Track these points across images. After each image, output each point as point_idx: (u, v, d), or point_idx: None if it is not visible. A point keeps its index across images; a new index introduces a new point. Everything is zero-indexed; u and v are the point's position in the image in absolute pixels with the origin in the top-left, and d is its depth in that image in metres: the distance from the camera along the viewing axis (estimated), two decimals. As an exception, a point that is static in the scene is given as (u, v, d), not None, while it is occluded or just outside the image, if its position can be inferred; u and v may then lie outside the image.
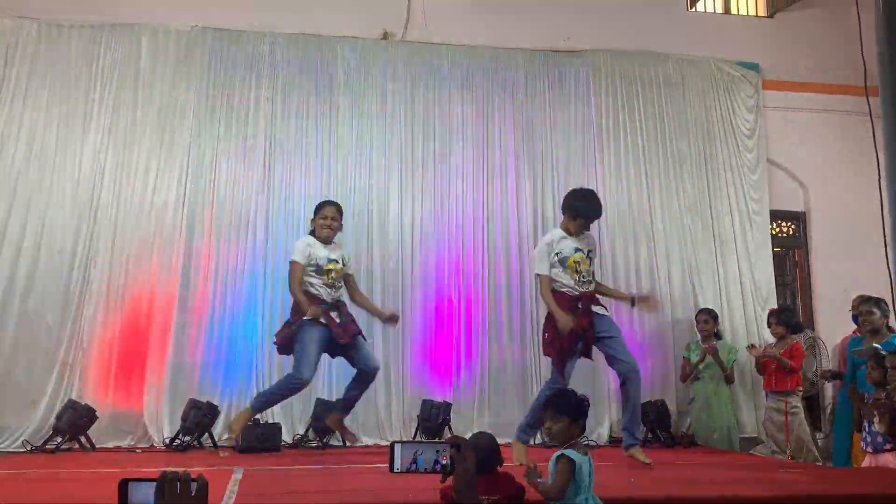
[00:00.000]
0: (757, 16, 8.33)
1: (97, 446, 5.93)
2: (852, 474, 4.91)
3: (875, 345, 5.29)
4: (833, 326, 7.03)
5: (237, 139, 6.81)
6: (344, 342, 5.31)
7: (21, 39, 6.65)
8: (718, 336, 6.78)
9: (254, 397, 5.63)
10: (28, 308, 6.22)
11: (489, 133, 7.23)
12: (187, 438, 5.95)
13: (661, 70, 7.65)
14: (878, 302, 5.52)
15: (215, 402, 6.14)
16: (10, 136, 6.47)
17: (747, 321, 7.25)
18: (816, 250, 7.76)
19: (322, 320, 5.27)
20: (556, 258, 5.12)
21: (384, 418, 6.55)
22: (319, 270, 5.39)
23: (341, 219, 5.57)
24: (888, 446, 4.70)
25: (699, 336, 6.81)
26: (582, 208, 5.20)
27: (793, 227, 7.92)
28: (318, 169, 6.88)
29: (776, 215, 7.74)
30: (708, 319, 6.74)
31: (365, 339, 5.56)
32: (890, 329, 5.53)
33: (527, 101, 7.34)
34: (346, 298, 5.61)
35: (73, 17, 6.77)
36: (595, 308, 5.10)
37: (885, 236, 3.17)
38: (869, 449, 4.83)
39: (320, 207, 5.56)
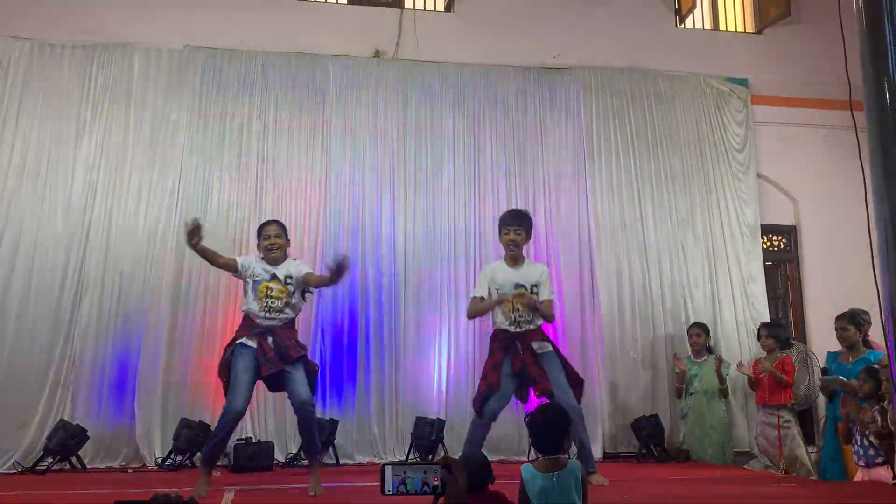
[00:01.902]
0: (745, 32, 8.40)
1: (88, 467, 5.89)
2: (845, 488, 4.91)
3: (838, 376, 5.35)
4: (825, 340, 7.02)
5: (229, 157, 6.82)
6: (264, 374, 4.58)
7: (14, 59, 6.67)
8: (710, 350, 6.80)
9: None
10: (19, 327, 6.19)
11: (480, 150, 7.26)
12: (179, 458, 5.93)
13: (651, 86, 7.71)
14: (853, 318, 5.55)
15: (207, 422, 6.11)
16: (2, 154, 6.47)
17: (739, 335, 7.27)
18: (807, 264, 7.80)
19: (250, 343, 4.64)
20: (495, 292, 4.97)
21: (377, 435, 6.52)
22: (255, 287, 4.73)
23: (286, 236, 4.92)
24: (880, 459, 4.71)
25: (690, 350, 6.83)
26: (500, 221, 5.16)
27: (783, 240, 7.96)
28: (310, 186, 6.89)
29: (767, 229, 7.78)
30: (700, 333, 6.76)
31: (307, 368, 4.71)
32: (866, 343, 5.56)
33: (518, 118, 7.38)
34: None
35: (65, 38, 6.79)
36: (536, 345, 4.93)
37: (871, 249, 3.19)
38: (861, 463, 4.84)
39: (261, 228, 4.96)
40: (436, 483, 2.07)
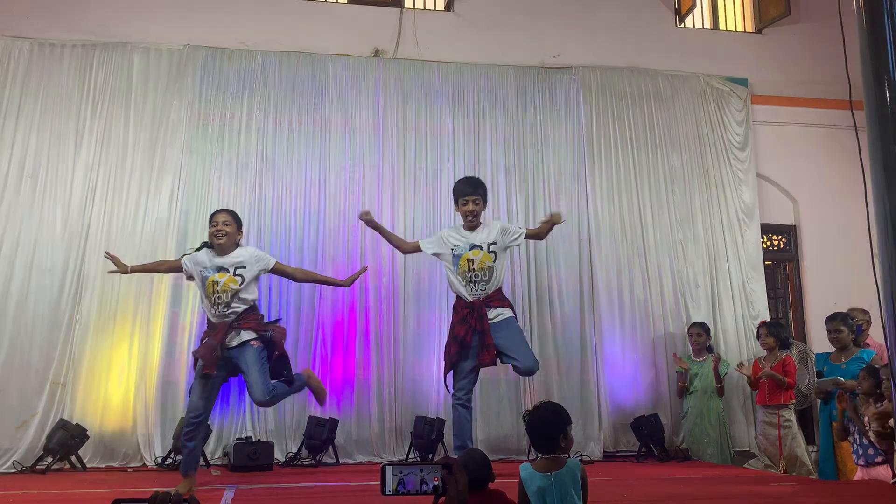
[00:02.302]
0: (745, 31, 8.40)
1: (88, 466, 5.90)
2: (845, 487, 4.91)
3: (836, 377, 5.39)
4: (824, 339, 7.01)
5: (229, 157, 6.82)
6: (206, 371, 4.50)
7: (13, 59, 6.66)
8: (710, 349, 6.80)
9: None
10: (19, 327, 6.19)
11: (480, 149, 7.26)
12: (179, 457, 5.91)
13: (651, 85, 7.71)
14: (845, 318, 5.59)
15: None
16: (1, 154, 6.47)
17: (739, 334, 7.27)
18: (807, 263, 7.80)
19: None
20: (451, 253, 5.13)
21: (377, 435, 6.53)
22: (202, 283, 4.61)
23: (237, 225, 4.75)
24: (879, 458, 4.72)
25: (691, 349, 6.83)
26: (454, 190, 5.30)
27: (783, 240, 7.96)
28: (310, 186, 6.89)
29: (767, 229, 7.79)
30: (700, 333, 6.77)
31: (269, 355, 4.66)
32: (856, 344, 5.58)
33: (518, 117, 7.38)
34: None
35: (65, 37, 6.79)
36: (493, 312, 5.04)
37: (871, 248, 3.19)
38: (860, 462, 4.85)
39: (211, 216, 4.83)
40: (436, 483, 2.06)
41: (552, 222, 5.21)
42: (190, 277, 4.82)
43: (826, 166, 7.74)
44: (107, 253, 4.97)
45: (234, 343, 4.57)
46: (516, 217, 7.12)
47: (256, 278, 4.73)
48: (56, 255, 6.36)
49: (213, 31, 7.05)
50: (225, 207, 5.22)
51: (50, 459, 5.74)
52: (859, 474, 4.89)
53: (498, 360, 5.13)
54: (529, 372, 5.11)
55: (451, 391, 5.21)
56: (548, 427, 2.79)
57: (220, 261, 4.63)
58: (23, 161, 6.49)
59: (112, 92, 6.75)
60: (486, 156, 7.25)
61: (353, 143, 7.05)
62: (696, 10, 8.22)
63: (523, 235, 5.34)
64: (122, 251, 6.39)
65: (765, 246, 7.75)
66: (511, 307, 5.26)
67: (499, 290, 5.17)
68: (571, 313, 7.03)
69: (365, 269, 5.29)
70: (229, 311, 4.58)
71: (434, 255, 5.41)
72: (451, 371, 5.17)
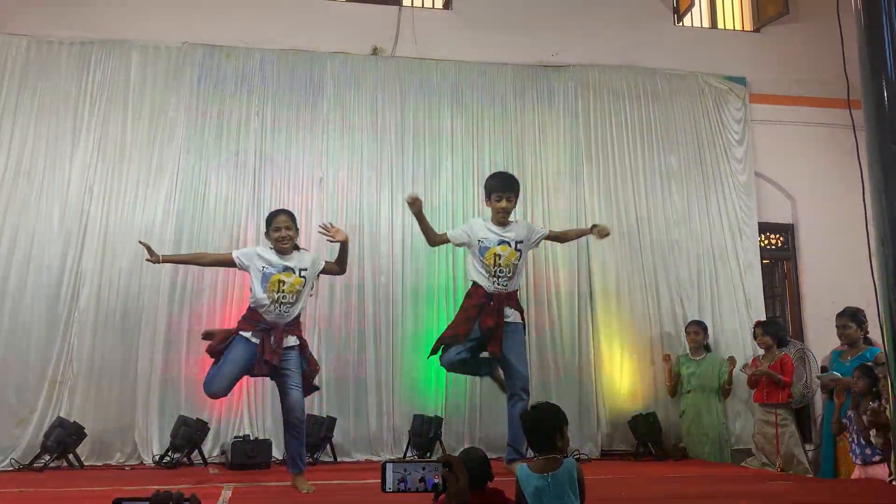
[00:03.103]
0: (743, 30, 8.41)
1: (86, 464, 5.89)
2: (842, 486, 4.92)
3: (833, 373, 5.41)
4: (822, 338, 7.04)
5: (227, 155, 6.81)
6: (256, 373, 4.69)
7: (10, 56, 6.64)
8: (708, 348, 6.81)
9: None
10: (17, 325, 6.18)
11: (478, 147, 7.25)
12: (177, 455, 5.92)
13: (649, 84, 7.71)
14: (854, 315, 5.57)
15: (205, 419, 6.12)
16: (-2, 152, 6.46)
17: (736, 333, 7.27)
18: (805, 262, 7.81)
19: (254, 339, 4.62)
20: (477, 245, 5.08)
21: (375, 433, 6.52)
22: (266, 279, 4.62)
23: (297, 225, 4.82)
24: (877, 458, 4.73)
25: (688, 348, 6.83)
26: (488, 184, 5.24)
27: (781, 239, 7.96)
28: (308, 184, 6.88)
29: (764, 227, 7.79)
30: (698, 331, 6.77)
31: (307, 368, 4.76)
32: (867, 341, 5.57)
33: (515, 116, 7.37)
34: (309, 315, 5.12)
35: (62, 34, 6.77)
36: (507, 311, 5.02)
37: (869, 247, 3.19)
38: (858, 461, 4.86)
39: (271, 218, 4.83)
40: (436, 481, 2.07)
41: (592, 233, 5.34)
42: (241, 268, 4.79)
43: (824, 165, 7.74)
44: (140, 241, 4.94)
45: (287, 344, 4.68)
46: (513, 215, 7.09)
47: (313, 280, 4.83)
48: (53, 253, 6.34)
49: (211, 28, 7.04)
50: (283, 208, 5.16)
51: (47, 457, 5.73)
52: (857, 473, 4.91)
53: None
54: (519, 393, 4.97)
55: (445, 361, 5.12)
56: (544, 427, 2.80)
57: (284, 261, 4.67)
58: (20, 159, 6.47)
59: (110, 89, 6.74)
60: (484, 154, 7.24)
61: (352, 141, 7.04)
62: (695, 9, 8.22)
63: (545, 236, 5.38)
64: (120, 248, 6.43)
65: (762, 245, 7.76)
66: (523, 312, 5.25)
67: (516, 291, 5.18)
68: (569, 312, 7.03)
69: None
70: (292, 310, 4.66)
71: (460, 244, 5.38)
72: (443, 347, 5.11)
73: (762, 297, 7.47)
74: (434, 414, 6.47)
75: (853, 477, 4.96)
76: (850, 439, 4.93)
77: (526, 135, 7.35)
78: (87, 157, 6.57)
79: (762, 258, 7.65)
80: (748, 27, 8.40)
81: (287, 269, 4.64)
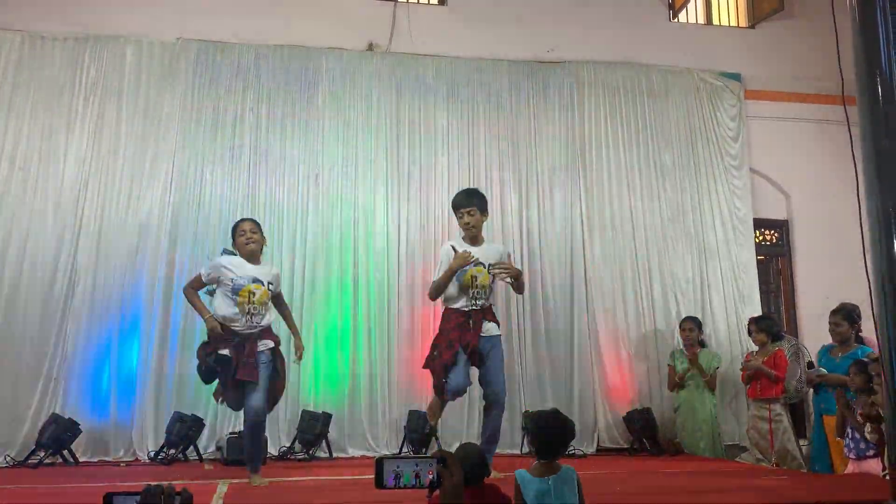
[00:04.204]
0: (738, 27, 8.42)
1: (81, 460, 5.89)
2: (836, 481, 4.94)
3: (820, 369, 5.43)
4: (816, 334, 7.05)
5: (222, 150, 6.80)
6: (238, 377, 4.61)
7: (5, 51, 6.62)
8: (703, 344, 6.82)
9: None
10: (11, 322, 6.17)
11: (474, 143, 7.25)
12: (172, 451, 5.92)
13: (645, 80, 7.71)
14: (849, 314, 5.58)
15: (200, 415, 6.12)
16: (-7, 147, 6.44)
17: (731, 330, 7.29)
18: (799, 258, 7.83)
19: (223, 352, 4.63)
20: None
21: (370, 429, 6.53)
22: (236, 290, 4.63)
23: (261, 233, 4.87)
24: (871, 452, 4.75)
25: (682, 344, 6.85)
26: (452, 202, 5.11)
27: (776, 235, 7.99)
28: (303, 179, 6.88)
29: (759, 224, 7.81)
30: (693, 328, 6.78)
31: (274, 365, 4.78)
32: (859, 339, 5.58)
33: (511, 112, 7.38)
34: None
35: (57, 30, 6.75)
36: (486, 325, 4.91)
37: (863, 243, 3.21)
38: (852, 455, 4.88)
39: (237, 225, 4.90)
40: (431, 476, 2.07)
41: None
42: (210, 283, 4.78)
43: (819, 161, 7.76)
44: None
45: (260, 349, 4.72)
46: (510, 212, 7.13)
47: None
48: (48, 249, 6.33)
49: (205, 23, 7.02)
50: (248, 217, 5.30)
51: (42, 454, 5.72)
52: (851, 467, 4.92)
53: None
54: (497, 397, 4.88)
55: (451, 395, 4.91)
56: (562, 439, 2.88)
57: (253, 273, 4.69)
58: (14, 154, 6.45)
59: (104, 85, 6.72)
60: (480, 150, 7.25)
61: (347, 137, 7.04)
62: (690, 5, 8.22)
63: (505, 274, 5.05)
64: (114, 244, 6.42)
65: (757, 240, 7.78)
66: (499, 324, 5.11)
67: (492, 306, 5.08)
68: (563, 308, 7.05)
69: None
70: (263, 322, 4.71)
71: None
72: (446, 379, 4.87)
73: (757, 293, 7.49)
74: (429, 410, 6.47)
75: (847, 472, 4.98)
76: (846, 434, 4.94)
77: (521, 130, 7.35)
78: (81, 152, 6.56)
79: (757, 254, 7.67)
80: (743, 23, 8.41)
81: (256, 280, 4.67)
